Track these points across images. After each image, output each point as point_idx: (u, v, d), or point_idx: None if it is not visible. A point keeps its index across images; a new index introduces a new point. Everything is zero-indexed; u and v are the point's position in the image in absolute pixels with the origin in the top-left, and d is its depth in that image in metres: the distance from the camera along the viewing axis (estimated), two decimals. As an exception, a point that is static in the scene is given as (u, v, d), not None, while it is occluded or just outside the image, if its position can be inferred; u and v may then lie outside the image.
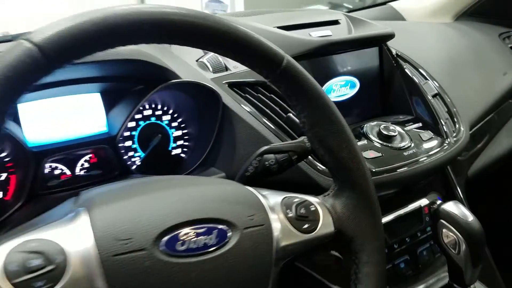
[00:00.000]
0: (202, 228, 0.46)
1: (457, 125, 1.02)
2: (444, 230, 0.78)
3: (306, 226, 0.53)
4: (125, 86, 0.78)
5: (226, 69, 0.86)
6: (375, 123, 0.94)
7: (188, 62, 0.87)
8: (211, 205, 0.48)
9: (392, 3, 1.67)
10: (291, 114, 0.81)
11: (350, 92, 0.99)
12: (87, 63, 0.68)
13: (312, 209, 0.55)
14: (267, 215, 0.51)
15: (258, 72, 0.51)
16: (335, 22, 1.04)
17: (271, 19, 1.00)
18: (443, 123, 0.98)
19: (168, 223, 0.45)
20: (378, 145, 0.88)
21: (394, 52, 1.07)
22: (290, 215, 0.53)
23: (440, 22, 1.59)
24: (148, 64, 0.75)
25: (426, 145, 0.93)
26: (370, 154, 0.85)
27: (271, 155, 0.65)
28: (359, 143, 0.87)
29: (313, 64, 0.92)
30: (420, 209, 0.95)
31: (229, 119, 0.79)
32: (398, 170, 0.84)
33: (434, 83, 1.09)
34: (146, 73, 0.77)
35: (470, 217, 0.77)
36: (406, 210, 0.93)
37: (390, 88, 1.05)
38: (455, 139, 0.97)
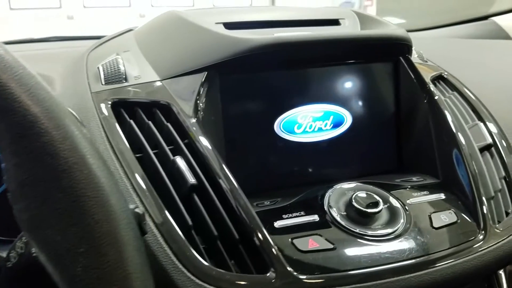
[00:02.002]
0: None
1: (517, 204, 0.60)
2: None
3: None
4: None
5: (125, 79, 0.57)
6: (353, 185, 0.57)
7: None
8: None
9: (495, 18, 1.28)
10: (179, 158, 0.49)
11: (331, 131, 0.63)
12: None
13: None
14: None
15: None
16: (334, 22, 0.69)
17: (229, 14, 0.68)
18: (485, 198, 0.57)
19: None
20: (338, 228, 0.51)
21: (429, 76, 0.68)
22: None
23: None
24: None
25: (437, 236, 0.53)
26: (309, 243, 0.49)
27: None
28: (297, 219, 0.51)
29: (267, 81, 0.59)
30: None
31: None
32: (360, 284, 0.46)
33: (493, 127, 0.67)
34: None
35: None
36: None
37: (409, 129, 0.66)
38: (502, 228, 0.56)
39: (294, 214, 0.52)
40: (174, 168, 0.48)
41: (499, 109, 0.72)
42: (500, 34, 1.24)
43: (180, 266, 0.43)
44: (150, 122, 0.52)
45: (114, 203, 0.31)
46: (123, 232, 0.31)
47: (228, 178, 0.49)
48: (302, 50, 0.58)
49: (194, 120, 0.52)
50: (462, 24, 1.31)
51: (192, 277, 0.43)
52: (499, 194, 0.60)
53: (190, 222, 0.46)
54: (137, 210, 0.37)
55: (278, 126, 0.60)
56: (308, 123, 0.62)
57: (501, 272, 0.65)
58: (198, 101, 0.53)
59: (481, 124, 0.67)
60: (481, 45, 1.13)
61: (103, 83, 0.57)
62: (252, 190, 0.54)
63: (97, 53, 0.66)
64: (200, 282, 0.43)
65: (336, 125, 0.63)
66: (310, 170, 0.62)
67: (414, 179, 0.62)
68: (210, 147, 0.50)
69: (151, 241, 0.44)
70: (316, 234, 0.50)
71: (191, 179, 0.47)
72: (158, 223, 0.45)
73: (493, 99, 0.75)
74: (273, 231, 0.49)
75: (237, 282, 0.43)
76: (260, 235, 0.46)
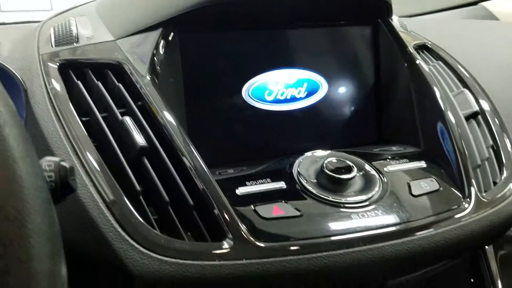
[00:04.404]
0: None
1: (505, 173, 0.55)
2: None
3: None
4: None
5: (77, 40, 0.52)
6: (325, 153, 0.52)
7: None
8: None
9: (485, 3, 1.30)
10: (127, 119, 0.44)
11: (305, 100, 0.58)
12: None
13: None
14: None
15: None
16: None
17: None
18: (471, 167, 0.52)
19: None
20: (306, 195, 0.46)
21: (415, 43, 0.64)
22: None
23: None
24: None
25: (417, 204, 0.48)
26: (274, 209, 0.44)
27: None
28: (261, 186, 0.46)
29: (233, 41, 0.54)
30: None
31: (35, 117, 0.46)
32: (327, 252, 0.41)
33: (480, 95, 0.63)
34: None
35: None
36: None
37: (390, 98, 0.62)
38: (490, 198, 0.51)
39: (259, 182, 0.47)
40: (122, 130, 0.44)
41: (488, 81, 0.68)
42: (490, 19, 1.23)
43: (123, 234, 0.38)
44: (99, 83, 0.47)
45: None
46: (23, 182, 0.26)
47: (183, 140, 0.44)
48: (263, 3, 0.53)
49: (148, 80, 0.48)
50: (452, 10, 1.29)
51: (137, 245, 0.38)
52: (486, 163, 0.56)
53: (138, 188, 0.41)
54: (63, 163, 0.32)
55: (247, 92, 0.56)
56: (280, 90, 0.57)
57: (490, 249, 0.61)
58: (155, 60, 0.49)
59: (467, 91, 0.62)
60: (468, 22, 1.10)
61: (53, 45, 0.52)
62: (216, 164, 0.49)
63: (54, 20, 0.61)
64: (146, 251, 0.38)
65: (311, 93, 0.59)
66: (281, 142, 0.57)
67: (394, 148, 0.57)
68: (165, 109, 0.46)
69: (90, 207, 0.39)
70: (282, 201, 0.45)
71: (140, 141, 0.42)
72: (99, 187, 0.40)
73: (481, 71, 0.70)
74: (233, 198, 0.44)
75: (188, 250, 0.39)
76: (217, 201, 0.42)
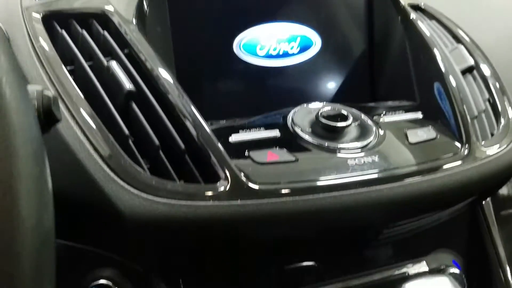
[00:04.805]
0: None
1: (501, 123, 0.54)
2: None
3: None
4: None
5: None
6: (320, 105, 0.51)
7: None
8: None
9: None
10: (114, 63, 0.43)
11: (298, 56, 0.57)
12: None
13: None
14: None
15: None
16: None
17: None
18: (469, 117, 0.51)
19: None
20: (302, 142, 0.45)
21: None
22: None
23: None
24: None
25: (414, 150, 0.47)
26: (268, 155, 0.42)
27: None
28: (255, 133, 0.45)
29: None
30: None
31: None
32: (324, 194, 0.40)
33: (475, 50, 0.62)
34: None
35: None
36: None
37: (384, 55, 0.61)
38: (488, 148, 0.50)
39: (253, 130, 0.46)
40: (109, 75, 0.42)
41: (485, 43, 0.67)
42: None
43: (112, 174, 0.37)
44: (84, 31, 0.45)
45: None
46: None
47: (173, 84, 0.43)
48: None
49: (135, 27, 0.46)
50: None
51: (127, 186, 0.36)
52: (483, 115, 0.55)
53: (126, 131, 0.40)
54: (46, 92, 0.31)
55: (238, 46, 0.54)
56: (272, 45, 0.56)
57: (488, 206, 0.60)
58: (141, 7, 0.47)
59: (462, 47, 0.61)
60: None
61: (37, -5, 0.51)
62: (207, 119, 0.48)
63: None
64: (136, 191, 0.36)
65: (304, 49, 0.57)
66: (274, 97, 0.56)
67: (389, 102, 0.56)
68: (153, 55, 0.44)
69: (76, 147, 0.37)
70: (276, 148, 0.44)
71: (128, 85, 0.41)
72: (86, 131, 0.38)
73: (478, 33, 0.69)
74: (227, 144, 0.43)
75: (180, 191, 0.37)
76: (209, 144, 0.40)
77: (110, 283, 0.42)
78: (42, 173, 0.26)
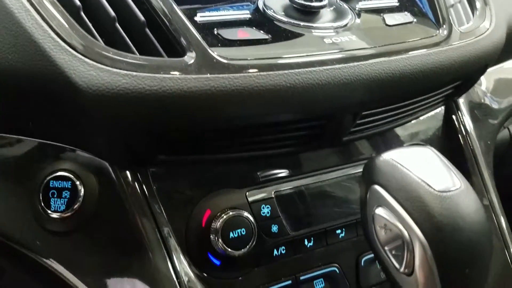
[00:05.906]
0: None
1: (478, 12, 0.52)
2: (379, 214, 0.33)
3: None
4: None
5: None
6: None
7: None
8: None
9: None
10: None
11: None
12: None
13: None
14: None
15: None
16: None
17: None
18: (444, 4, 0.49)
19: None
20: (275, 21, 0.42)
21: None
22: None
23: None
24: None
25: (392, 32, 0.44)
26: (239, 33, 0.39)
27: None
28: (224, 14, 0.41)
29: None
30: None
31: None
32: (299, 69, 0.37)
33: None
34: None
35: (456, 184, 0.32)
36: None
37: None
38: (465, 31, 0.48)
39: (221, 10, 0.41)
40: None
41: None
42: None
43: (63, 44, 0.32)
44: None
45: None
46: None
47: None
48: None
49: None
50: None
51: (80, 56, 0.32)
52: (458, 5, 0.53)
53: (78, 2, 0.35)
54: None
55: None
56: None
57: (464, 104, 0.60)
58: None
59: None
60: None
61: None
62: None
63: None
64: (92, 62, 0.32)
65: None
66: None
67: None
68: None
69: (22, 16, 0.32)
70: (248, 26, 0.40)
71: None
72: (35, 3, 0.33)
73: None
74: (193, 23, 0.39)
75: (142, 63, 0.34)
76: (173, 15, 0.36)
77: (70, 175, 0.38)
78: None
